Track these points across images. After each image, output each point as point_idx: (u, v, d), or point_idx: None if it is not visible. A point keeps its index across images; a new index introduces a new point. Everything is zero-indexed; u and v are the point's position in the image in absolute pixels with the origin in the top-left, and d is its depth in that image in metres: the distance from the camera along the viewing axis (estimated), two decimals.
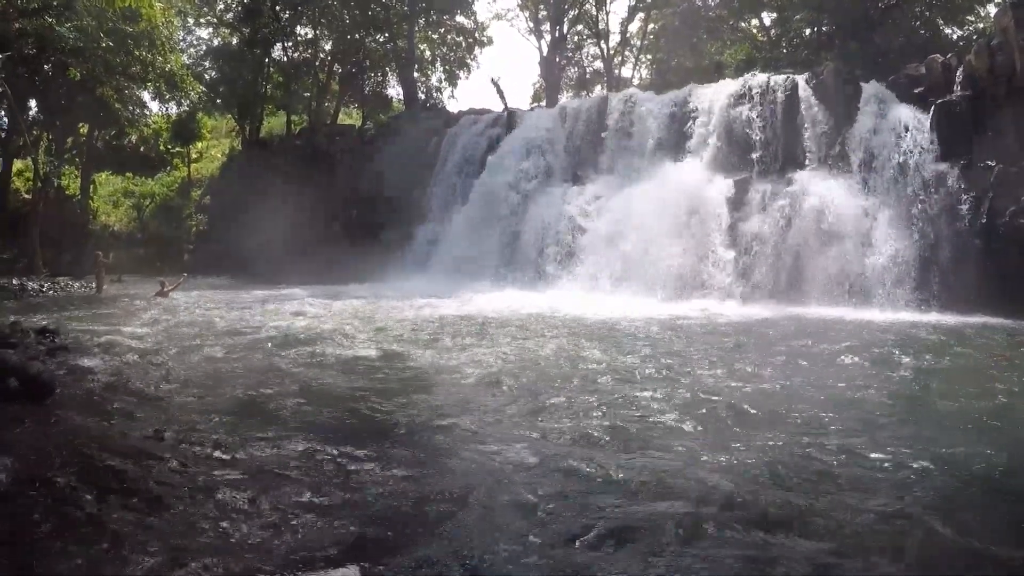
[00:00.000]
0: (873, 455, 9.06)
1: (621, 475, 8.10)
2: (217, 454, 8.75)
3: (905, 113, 30.96)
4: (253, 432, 9.58)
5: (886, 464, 8.74)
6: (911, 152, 29.82)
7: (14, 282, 35.28)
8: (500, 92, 58.32)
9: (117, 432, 9.58)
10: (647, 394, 12.11)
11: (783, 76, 35.05)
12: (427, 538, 6.45)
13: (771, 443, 9.50)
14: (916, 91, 31.66)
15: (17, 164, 53.57)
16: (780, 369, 14.69)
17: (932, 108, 30.32)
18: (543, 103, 57.21)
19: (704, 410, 11.09)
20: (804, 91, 33.59)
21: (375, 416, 10.84)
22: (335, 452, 8.68)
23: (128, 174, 58.15)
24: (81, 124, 51.70)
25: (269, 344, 17.24)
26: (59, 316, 22.48)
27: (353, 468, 8.34)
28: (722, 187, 32.66)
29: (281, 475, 8.01)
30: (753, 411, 11.12)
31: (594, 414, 10.98)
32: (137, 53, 43.48)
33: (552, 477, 8.09)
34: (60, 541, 6.15)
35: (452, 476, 8.22)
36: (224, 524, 6.60)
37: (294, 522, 6.71)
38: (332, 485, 7.77)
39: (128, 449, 8.78)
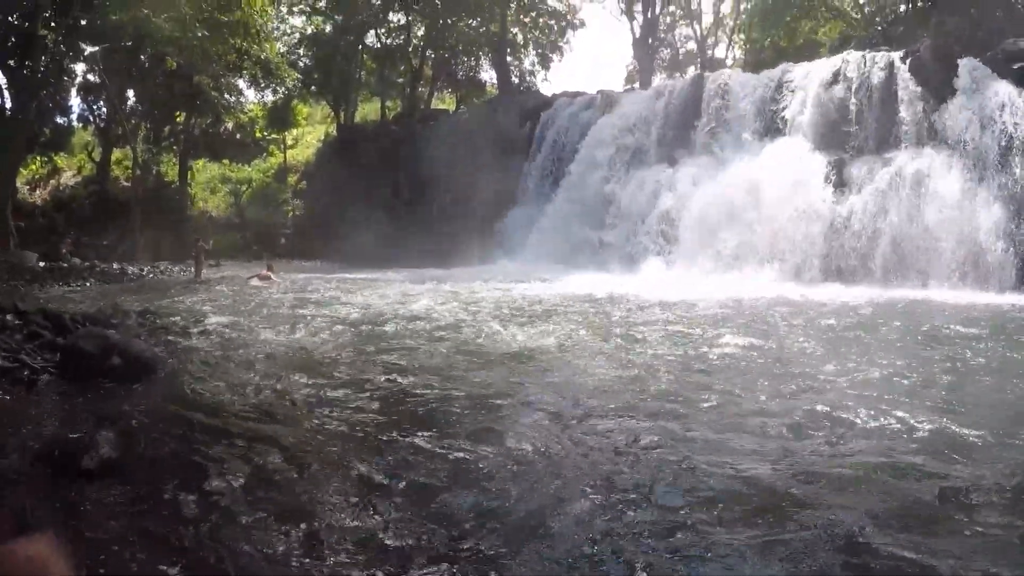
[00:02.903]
0: None
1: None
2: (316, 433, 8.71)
3: (1004, 90, 29.88)
4: (350, 420, 9.43)
5: None
6: (1011, 130, 28.97)
7: (115, 267, 35.79)
8: None
9: (212, 408, 9.58)
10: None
11: (879, 54, 34.46)
12: None
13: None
14: (1015, 67, 30.65)
15: (116, 153, 54.56)
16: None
17: None
18: (636, 85, 56.84)
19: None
20: (900, 69, 32.87)
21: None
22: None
23: (225, 161, 58.91)
24: (178, 112, 52.42)
25: (362, 327, 17.02)
26: (159, 299, 22.68)
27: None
28: (819, 167, 32.11)
29: (374, 458, 7.90)
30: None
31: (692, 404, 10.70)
32: (233, 42, 43.92)
33: None
34: (158, 515, 6.15)
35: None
36: (324, 509, 6.51)
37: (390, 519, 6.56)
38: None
39: (221, 425, 8.81)
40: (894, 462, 7.46)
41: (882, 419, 9.00)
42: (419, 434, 8.29)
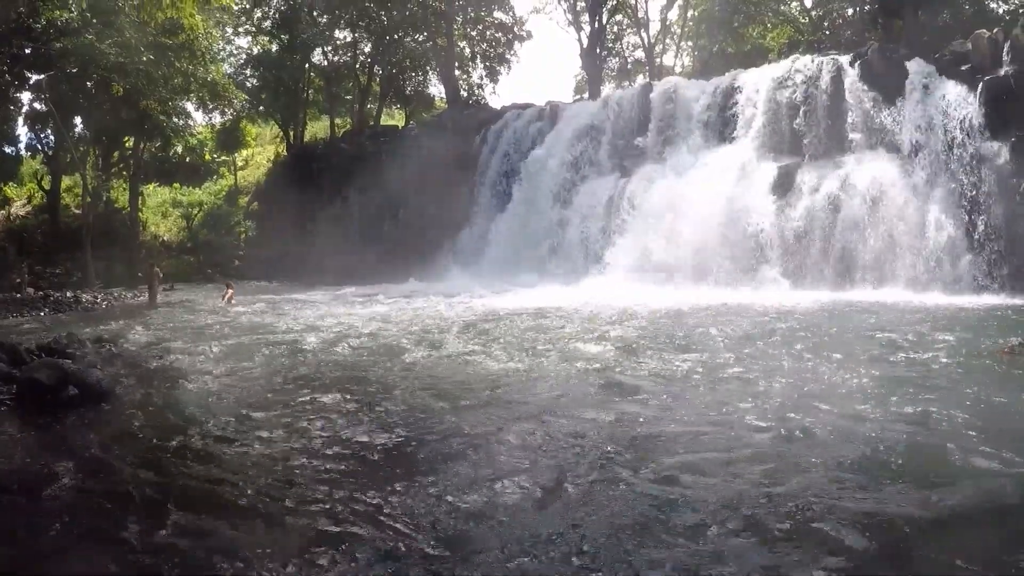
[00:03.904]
0: None
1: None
2: (262, 456, 8.73)
3: (952, 90, 30.56)
4: (303, 442, 9.40)
5: None
6: (960, 130, 29.46)
7: (69, 295, 35.47)
8: None
9: (169, 436, 9.57)
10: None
11: (827, 58, 34.83)
12: None
13: None
14: (963, 68, 31.15)
15: (66, 180, 54.27)
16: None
17: (980, 84, 29.87)
18: (585, 95, 57.08)
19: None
20: (849, 72, 33.34)
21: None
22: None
23: (175, 184, 58.77)
24: (127, 138, 52.06)
25: (314, 352, 16.86)
26: (114, 326, 22.56)
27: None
28: (769, 172, 32.47)
29: (314, 467, 7.99)
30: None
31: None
32: (178, 65, 43.71)
33: None
34: (114, 542, 6.20)
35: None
36: (265, 526, 6.54)
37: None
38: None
39: (179, 453, 8.81)
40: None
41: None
42: (367, 471, 8.22)
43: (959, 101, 30.06)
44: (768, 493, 6.94)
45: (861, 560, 5.73)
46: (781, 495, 6.88)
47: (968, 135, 29.26)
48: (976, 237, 27.72)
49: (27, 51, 41.53)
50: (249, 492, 7.38)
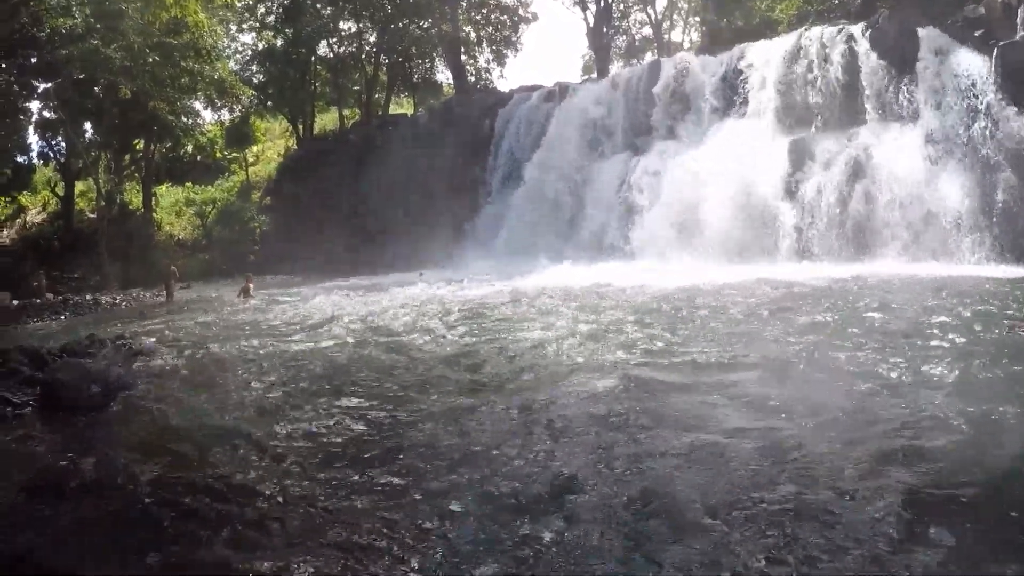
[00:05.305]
0: None
1: None
2: (282, 451, 8.63)
3: (966, 57, 29.61)
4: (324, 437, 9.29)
5: None
6: (975, 98, 28.68)
7: (88, 298, 35.74)
8: None
9: (188, 435, 9.54)
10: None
11: (837, 28, 34.21)
12: None
13: None
14: (976, 33, 30.31)
15: (79, 186, 54.59)
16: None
17: (995, 50, 29.12)
18: (594, 75, 56.88)
19: None
20: (860, 42, 32.56)
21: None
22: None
23: (188, 183, 58.95)
24: (137, 140, 52.25)
25: (337, 343, 16.68)
26: (133, 326, 22.64)
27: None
28: (782, 146, 32.02)
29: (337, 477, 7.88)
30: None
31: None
32: (184, 64, 43.87)
33: None
34: (135, 538, 6.14)
35: None
36: (290, 521, 6.48)
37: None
38: None
39: (198, 452, 8.77)
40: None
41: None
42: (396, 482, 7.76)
43: (974, 68, 29.21)
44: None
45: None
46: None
47: (983, 102, 28.57)
48: (994, 206, 27.06)
49: (33, 60, 41.81)
50: (268, 495, 7.26)
